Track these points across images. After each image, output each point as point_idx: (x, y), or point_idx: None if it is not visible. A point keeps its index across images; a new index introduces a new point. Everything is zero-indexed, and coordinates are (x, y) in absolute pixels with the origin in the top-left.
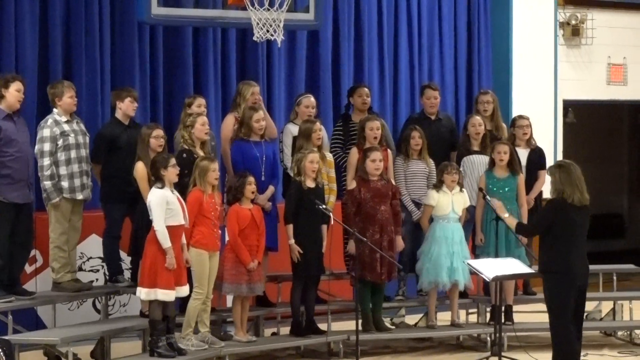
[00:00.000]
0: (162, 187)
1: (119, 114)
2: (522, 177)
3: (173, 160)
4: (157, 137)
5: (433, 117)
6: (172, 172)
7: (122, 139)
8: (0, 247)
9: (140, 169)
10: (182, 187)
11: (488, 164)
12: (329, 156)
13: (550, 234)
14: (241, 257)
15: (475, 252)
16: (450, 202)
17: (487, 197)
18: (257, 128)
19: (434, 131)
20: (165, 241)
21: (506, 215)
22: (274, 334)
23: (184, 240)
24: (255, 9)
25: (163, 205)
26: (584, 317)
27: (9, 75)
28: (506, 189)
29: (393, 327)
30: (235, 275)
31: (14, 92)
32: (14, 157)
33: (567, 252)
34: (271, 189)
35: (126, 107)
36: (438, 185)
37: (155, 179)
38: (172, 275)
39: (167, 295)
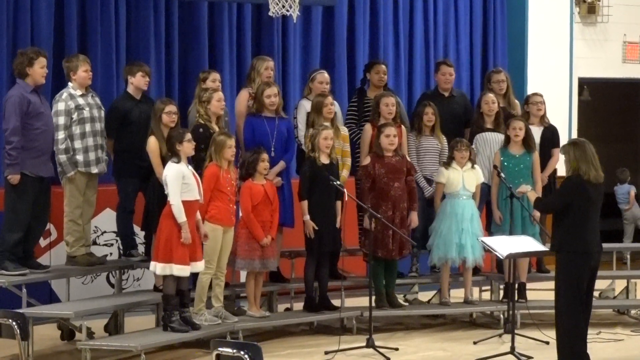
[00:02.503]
0: (178, 162)
1: (130, 89)
2: (537, 154)
3: (189, 135)
4: (169, 113)
5: (447, 94)
6: (187, 147)
7: (134, 114)
8: (22, 220)
9: (152, 144)
10: (197, 162)
11: (503, 141)
12: (344, 130)
13: (567, 213)
14: (254, 233)
15: (491, 230)
16: (461, 179)
17: (502, 174)
18: (267, 103)
19: (447, 108)
20: (181, 216)
21: (529, 189)
22: (287, 309)
23: (198, 215)
24: None
25: (179, 180)
26: (598, 295)
27: (31, 52)
28: (521, 165)
29: (406, 303)
30: (248, 251)
31: (39, 70)
32: (41, 131)
33: (584, 231)
34: (281, 164)
35: (138, 82)
36: (448, 162)
37: (171, 153)
38: (187, 251)
39: (182, 270)
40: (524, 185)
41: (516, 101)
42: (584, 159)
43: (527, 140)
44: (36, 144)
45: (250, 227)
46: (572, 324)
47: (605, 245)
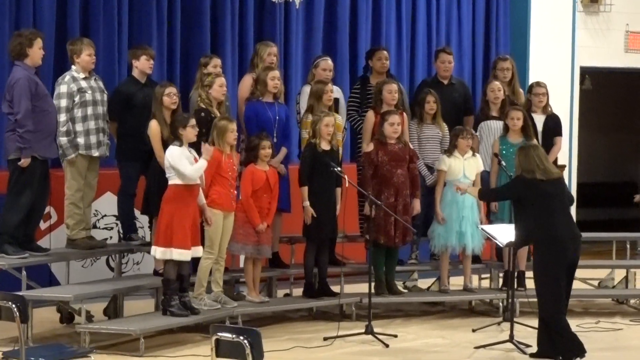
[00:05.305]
0: (180, 146)
1: (135, 72)
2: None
3: (193, 121)
4: (169, 95)
5: (446, 82)
6: (190, 132)
7: (138, 97)
8: (25, 202)
9: (153, 127)
10: (198, 146)
11: (502, 129)
12: (339, 118)
13: (524, 208)
14: (251, 218)
15: (490, 218)
16: (462, 167)
17: (503, 162)
18: (271, 86)
19: (446, 96)
20: (201, 167)
21: (465, 187)
22: (286, 295)
23: (202, 200)
24: None
25: (183, 157)
26: (597, 284)
27: (29, 33)
28: None
29: (405, 290)
30: (243, 235)
31: (37, 50)
32: (47, 112)
33: (550, 220)
34: (284, 150)
35: (142, 65)
36: (450, 150)
37: (174, 137)
38: (188, 235)
39: (182, 255)
40: (461, 183)
41: (520, 90)
42: (526, 166)
43: (526, 129)
44: (43, 126)
45: (248, 212)
46: (554, 311)
47: (604, 234)
